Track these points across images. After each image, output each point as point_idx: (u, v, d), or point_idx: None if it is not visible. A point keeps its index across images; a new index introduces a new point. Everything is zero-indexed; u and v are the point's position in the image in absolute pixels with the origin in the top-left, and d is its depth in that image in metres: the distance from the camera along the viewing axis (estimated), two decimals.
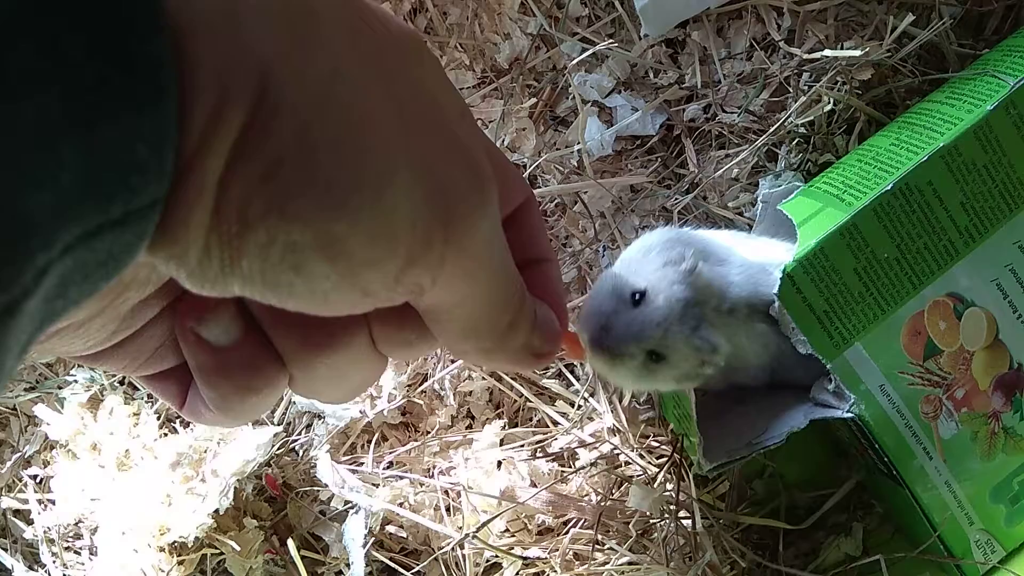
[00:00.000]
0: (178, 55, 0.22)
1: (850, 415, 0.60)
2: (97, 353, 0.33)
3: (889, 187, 0.58)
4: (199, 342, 0.33)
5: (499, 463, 0.75)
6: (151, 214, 0.23)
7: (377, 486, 0.74)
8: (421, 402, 0.77)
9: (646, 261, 0.58)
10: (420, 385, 0.78)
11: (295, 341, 0.33)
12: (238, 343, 0.33)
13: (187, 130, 0.22)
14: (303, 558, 0.72)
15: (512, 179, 0.39)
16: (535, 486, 0.72)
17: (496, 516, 0.71)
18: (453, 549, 0.71)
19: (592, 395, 0.75)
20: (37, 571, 0.77)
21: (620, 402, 0.74)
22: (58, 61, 0.19)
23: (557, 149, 0.78)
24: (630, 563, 0.70)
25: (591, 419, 0.75)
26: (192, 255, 0.25)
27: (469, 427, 0.78)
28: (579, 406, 0.76)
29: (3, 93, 0.18)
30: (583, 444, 0.74)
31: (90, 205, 0.20)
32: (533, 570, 0.72)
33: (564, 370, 0.78)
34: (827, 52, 0.69)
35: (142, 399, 0.80)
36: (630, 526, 0.71)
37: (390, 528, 0.73)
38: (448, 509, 0.74)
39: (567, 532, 0.72)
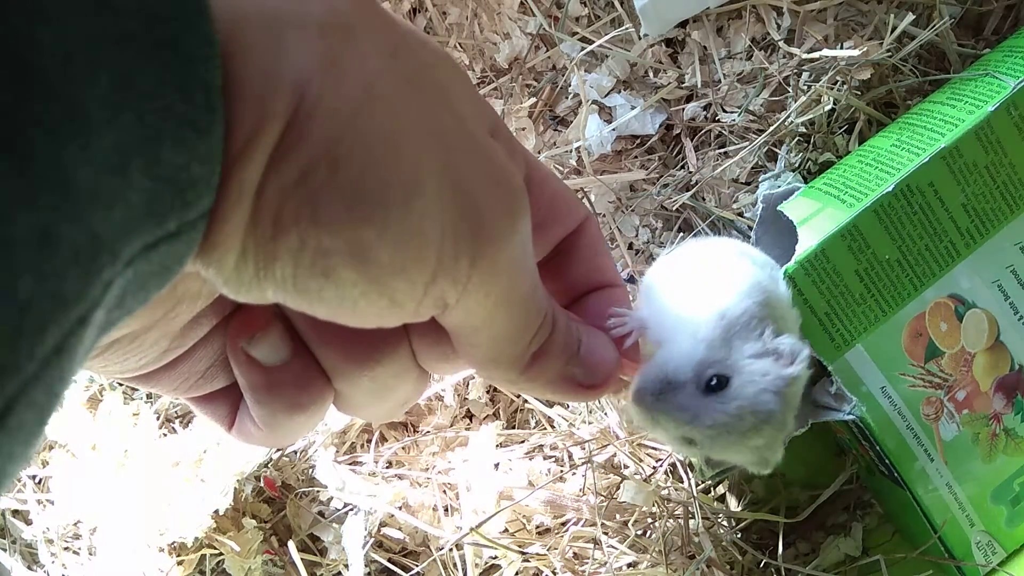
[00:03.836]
0: (223, 71, 0.23)
1: (851, 417, 0.60)
2: (150, 373, 0.34)
3: (890, 188, 0.58)
4: (250, 361, 0.34)
5: (496, 464, 0.75)
6: (200, 225, 0.24)
7: (377, 486, 0.74)
8: (421, 402, 0.77)
9: (736, 336, 0.47)
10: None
11: (341, 357, 0.34)
12: (287, 362, 0.34)
13: (230, 142, 0.24)
14: (302, 560, 0.72)
15: (563, 200, 0.39)
16: (533, 486, 0.72)
17: (495, 514, 0.71)
18: (451, 550, 0.71)
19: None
20: (36, 571, 0.77)
21: (618, 403, 0.74)
22: (131, 93, 0.20)
23: (557, 148, 0.78)
24: (630, 564, 0.70)
25: (588, 422, 0.75)
26: (229, 260, 0.26)
27: (468, 428, 0.78)
28: (575, 407, 0.76)
29: (86, 124, 0.20)
30: (580, 443, 0.74)
31: (151, 221, 0.22)
32: (532, 571, 0.72)
33: None
34: (827, 52, 0.69)
35: (142, 399, 0.80)
36: (629, 524, 0.71)
37: (389, 529, 0.73)
38: (447, 510, 0.74)
39: (566, 531, 0.72)
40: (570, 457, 0.75)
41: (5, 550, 0.78)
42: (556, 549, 0.71)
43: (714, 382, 0.46)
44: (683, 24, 0.75)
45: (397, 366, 0.35)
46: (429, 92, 0.29)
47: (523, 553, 0.71)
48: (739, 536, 0.71)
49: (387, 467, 0.76)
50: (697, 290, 0.50)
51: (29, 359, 0.19)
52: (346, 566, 0.72)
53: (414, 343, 0.35)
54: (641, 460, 0.74)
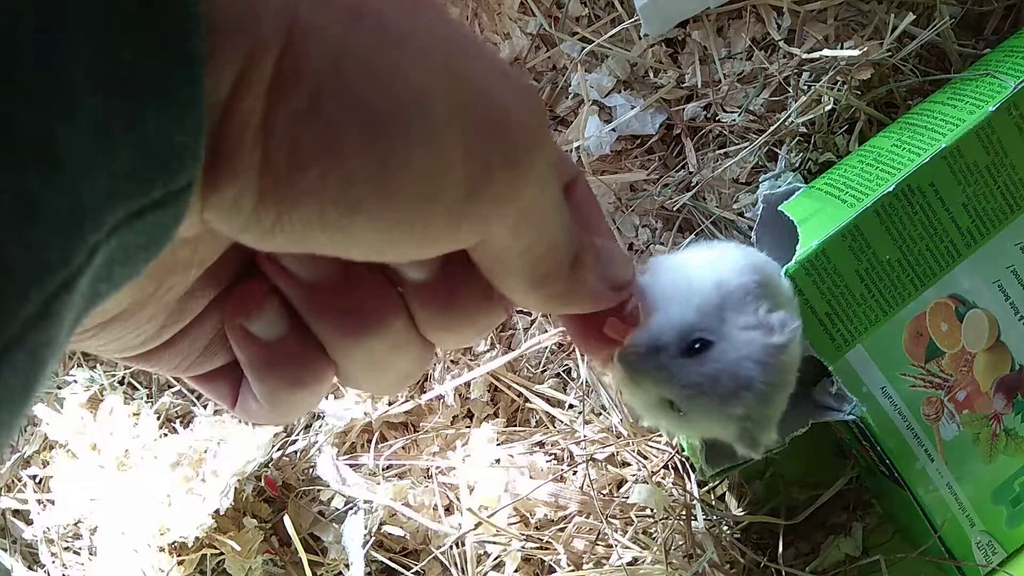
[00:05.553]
0: (208, 13, 0.22)
1: (852, 417, 0.60)
2: (148, 352, 0.34)
3: (891, 188, 0.58)
4: (247, 337, 0.34)
5: (497, 460, 0.75)
6: (186, 195, 0.23)
7: (378, 485, 0.74)
8: (421, 402, 0.77)
9: (729, 307, 0.48)
10: (421, 385, 0.78)
11: (335, 330, 0.33)
12: (284, 337, 0.34)
13: (221, 83, 0.23)
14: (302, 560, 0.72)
15: (557, 152, 0.39)
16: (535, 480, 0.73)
17: (497, 511, 0.71)
18: (452, 547, 0.71)
19: (589, 394, 0.75)
20: (36, 571, 0.77)
21: (620, 401, 0.74)
22: (111, 60, 0.20)
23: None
24: (630, 562, 0.70)
25: (589, 421, 0.75)
26: (247, 203, 0.25)
27: (469, 428, 0.78)
28: (576, 406, 0.76)
29: (71, 92, 0.19)
30: (580, 442, 0.74)
31: (136, 189, 0.22)
32: (534, 570, 0.72)
33: (561, 372, 0.78)
34: (827, 52, 0.69)
35: (142, 399, 0.80)
36: (632, 514, 0.71)
37: (390, 528, 0.73)
38: (447, 509, 0.74)
39: (568, 523, 0.72)
40: (571, 456, 0.75)
41: (5, 550, 0.78)
42: (559, 541, 0.71)
43: (697, 346, 0.47)
44: (683, 24, 0.75)
45: (393, 338, 0.34)
46: (428, 6, 0.28)
47: (527, 537, 0.71)
48: (739, 536, 0.71)
49: (387, 467, 0.76)
50: (698, 264, 0.51)
51: (14, 319, 0.19)
52: (347, 565, 0.72)
53: (417, 313, 0.34)
54: (646, 458, 0.74)
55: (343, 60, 0.24)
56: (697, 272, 0.50)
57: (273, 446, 0.75)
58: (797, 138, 0.72)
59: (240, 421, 0.74)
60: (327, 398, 0.76)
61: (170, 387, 0.80)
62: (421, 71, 0.26)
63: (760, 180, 0.73)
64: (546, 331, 0.76)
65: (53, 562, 0.77)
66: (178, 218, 0.24)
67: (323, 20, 0.24)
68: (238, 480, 0.72)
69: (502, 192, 0.28)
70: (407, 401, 0.77)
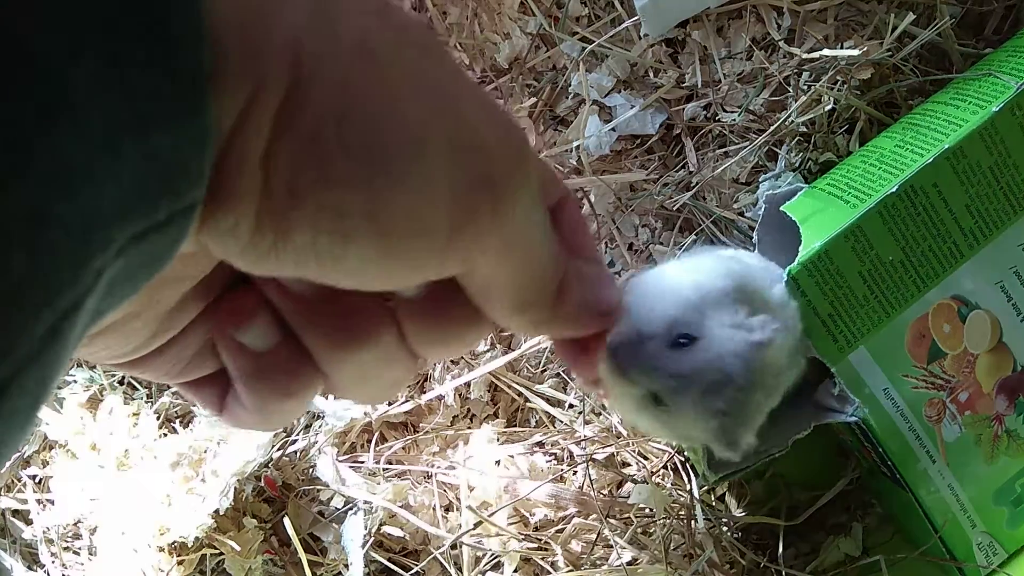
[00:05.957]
0: (214, 45, 0.23)
1: (854, 419, 0.60)
2: (139, 359, 0.34)
3: (894, 189, 0.58)
4: (238, 347, 0.34)
5: (497, 461, 0.75)
6: (190, 216, 0.24)
7: (378, 486, 0.74)
8: (421, 402, 0.77)
9: (709, 307, 0.50)
10: (421, 385, 0.78)
11: (325, 342, 0.34)
12: (275, 347, 0.34)
13: (227, 113, 0.23)
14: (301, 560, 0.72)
15: (545, 175, 0.39)
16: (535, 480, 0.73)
17: (497, 511, 0.71)
18: (452, 548, 0.71)
19: (589, 395, 0.75)
20: (36, 571, 0.77)
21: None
22: (120, 75, 0.20)
23: (557, 148, 0.78)
24: (629, 562, 0.70)
25: (589, 421, 0.75)
26: (244, 229, 0.26)
27: (469, 428, 0.78)
28: (576, 406, 0.76)
29: (76, 103, 0.19)
30: (580, 442, 0.74)
31: (142, 209, 0.22)
32: (534, 569, 0.72)
33: (561, 372, 0.78)
34: (827, 52, 0.69)
35: (142, 399, 0.80)
36: (632, 516, 0.71)
37: (389, 528, 0.73)
38: (447, 509, 0.74)
39: (568, 524, 0.72)
40: (571, 456, 0.75)
41: (5, 550, 0.78)
42: (558, 542, 0.71)
43: (683, 340, 0.48)
44: (683, 24, 0.75)
45: (381, 351, 0.35)
46: (420, 47, 0.28)
47: (527, 537, 0.71)
48: (739, 536, 0.71)
49: (387, 467, 0.76)
50: (675, 271, 0.53)
51: (27, 338, 0.19)
52: (346, 566, 0.72)
53: (406, 326, 0.35)
54: (647, 458, 0.74)
55: (347, 97, 0.25)
56: (675, 276, 0.52)
57: (273, 446, 0.75)
58: (797, 138, 0.72)
59: None
60: (327, 398, 0.76)
61: (170, 387, 0.80)
62: (419, 110, 0.27)
63: (760, 180, 0.73)
64: None
65: (53, 562, 0.76)
66: (180, 238, 0.24)
67: (329, 53, 0.25)
68: (238, 480, 0.72)
69: (486, 225, 0.29)
70: (407, 401, 0.77)
